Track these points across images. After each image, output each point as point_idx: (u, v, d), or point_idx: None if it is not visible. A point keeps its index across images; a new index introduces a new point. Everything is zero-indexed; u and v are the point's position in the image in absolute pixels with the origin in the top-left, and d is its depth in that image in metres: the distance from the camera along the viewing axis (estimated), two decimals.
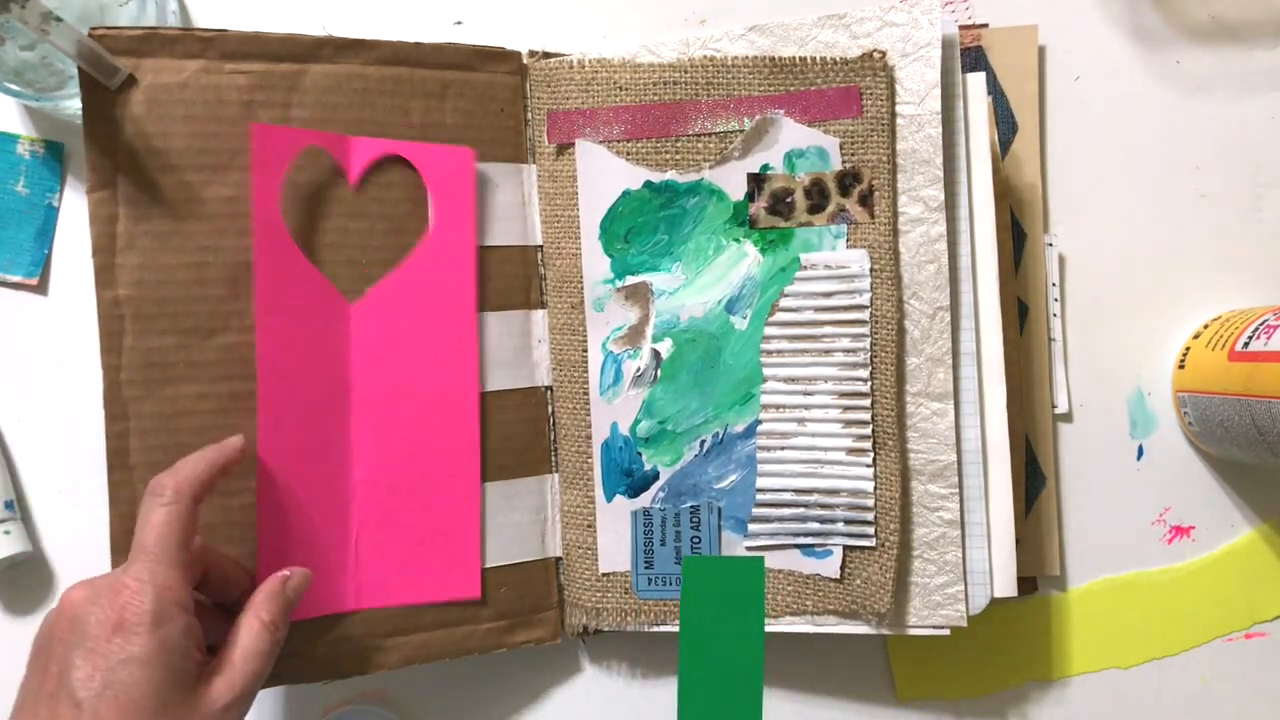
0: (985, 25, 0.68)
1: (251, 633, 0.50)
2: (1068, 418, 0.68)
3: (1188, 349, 0.67)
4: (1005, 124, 0.67)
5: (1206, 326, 0.67)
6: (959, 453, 0.60)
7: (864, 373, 0.59)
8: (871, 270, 0.59)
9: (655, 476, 0.62)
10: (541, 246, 0.63)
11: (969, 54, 0.67)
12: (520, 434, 0.63)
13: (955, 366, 0.59)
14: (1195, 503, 0.68)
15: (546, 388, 0.64)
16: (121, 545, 0.55)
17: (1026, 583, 0.67)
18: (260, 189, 0.56)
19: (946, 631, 0.60)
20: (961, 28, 0.67)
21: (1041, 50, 0.68)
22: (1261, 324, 0.61)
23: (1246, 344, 0.61)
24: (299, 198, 0.58)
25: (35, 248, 0.63)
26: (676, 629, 0.62)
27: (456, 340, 0.61)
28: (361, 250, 0.59)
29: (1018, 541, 0.62)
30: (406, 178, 0.60)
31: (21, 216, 0.63)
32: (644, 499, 0.62)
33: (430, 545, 0.60)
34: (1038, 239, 0.67)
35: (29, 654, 0.48)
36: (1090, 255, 0.68)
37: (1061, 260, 0.68)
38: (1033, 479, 0.67)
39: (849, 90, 0.59)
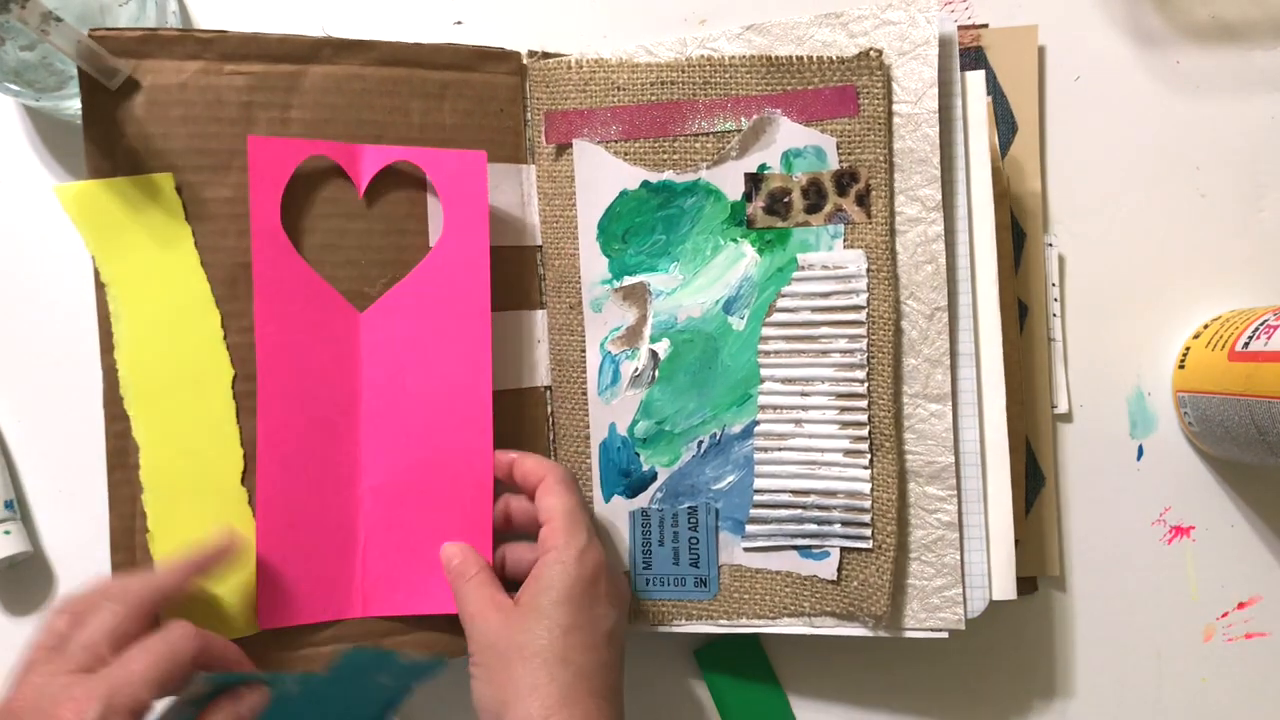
0: (985, 25, 0.68)
1: None
2: (1067, 418, 0.68)
3: (1188, 349, 0.67)
4: (1005, 124, 0.67)
5: (1206, 326, 0.67)
6: (957, 454, 0.59)
7: (861, 374, 0.59)
8: (868, 271, 0.58)
9: (653, 477, 0.61)
10: (541, 247, 0.63)
11: (969, 54, 0.67)
12: (519, 434, 0.63)
13: (953, 368, 0.59)
14: (1195, 503, 0.68)
15: (546, 388, 0.64)
16: (121, 544, 0.56)
17: (1026, 582, 0.67)
18: (259, 200, 0.56)
19: (945, 634, 0.60)
20: (961, 28, 0.67)
21: (1041, 50, 0.68)
22: (1261, 324, 0.61)
23: (1246, 344, 0.61)
24: (302, 207, 0.57)
25: None
26: (674, 629, 0.62)
27: (470, 347, 0.59)
28: (369, 259, 0.59)
29: (1017, 542, 0.62)
30: (410, 183, 0.60)
31: None
32: (642, 499, 0.62)
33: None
34: (1037, 239, 0.67)
35: None
36: (1090, 255, 0.68)
37: (1061, 260, 0.68)
38: (1032, 479, 0.67)
39: (845, 89, 0.58)
